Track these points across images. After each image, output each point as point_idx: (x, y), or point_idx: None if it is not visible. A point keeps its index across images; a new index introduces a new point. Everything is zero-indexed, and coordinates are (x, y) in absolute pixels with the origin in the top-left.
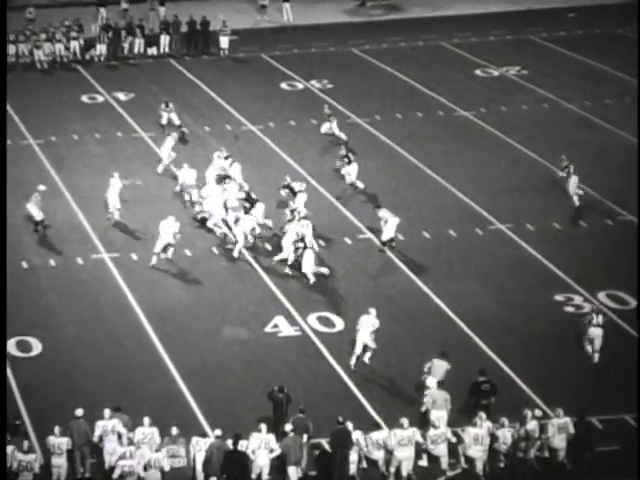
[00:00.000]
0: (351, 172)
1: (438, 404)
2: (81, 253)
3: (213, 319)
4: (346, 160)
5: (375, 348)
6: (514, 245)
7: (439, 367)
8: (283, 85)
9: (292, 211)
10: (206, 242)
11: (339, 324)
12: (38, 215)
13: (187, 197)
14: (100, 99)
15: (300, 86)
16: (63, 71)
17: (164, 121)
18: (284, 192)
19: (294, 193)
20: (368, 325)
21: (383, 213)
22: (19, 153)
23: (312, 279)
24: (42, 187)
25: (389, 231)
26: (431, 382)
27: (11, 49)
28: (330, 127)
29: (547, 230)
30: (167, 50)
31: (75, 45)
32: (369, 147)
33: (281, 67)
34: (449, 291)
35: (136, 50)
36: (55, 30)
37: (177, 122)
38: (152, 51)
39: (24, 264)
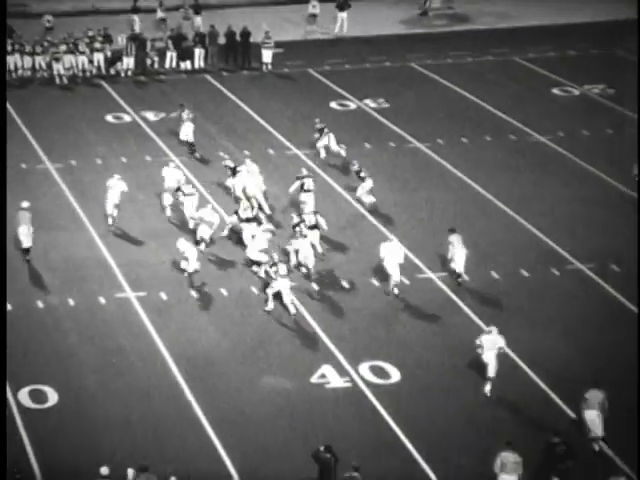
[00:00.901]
0: (365, 187)
1: (508, 468)
2: (104, 292)
3: (252, 367)
4: (361, 176)
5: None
6: (596, 287)
7: (593, 398)
8: (333, 104)
9: (299, 220)
10: (244, 280)
11: (395, 375)
12: (27, 242)
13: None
14: (127, 119)
15: (352, 106)
16: (85, 87)
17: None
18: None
19: (305, 190)
20: (493, 347)
21: (453, 238)
22: (35, 179)
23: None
24: (25, 204)
25: (459, 261)
26: None
27: (27, 61)
28: (325, 143)
29: (634, 271)
30: (202, 64)
31: (99, 58)
32: (431, 175)
33: (331, 84)
34: (521, 339)
35: (168, 64)
36: (78, 41)
37: (190, 138)
38: (186, 65)
39: (39, 304)
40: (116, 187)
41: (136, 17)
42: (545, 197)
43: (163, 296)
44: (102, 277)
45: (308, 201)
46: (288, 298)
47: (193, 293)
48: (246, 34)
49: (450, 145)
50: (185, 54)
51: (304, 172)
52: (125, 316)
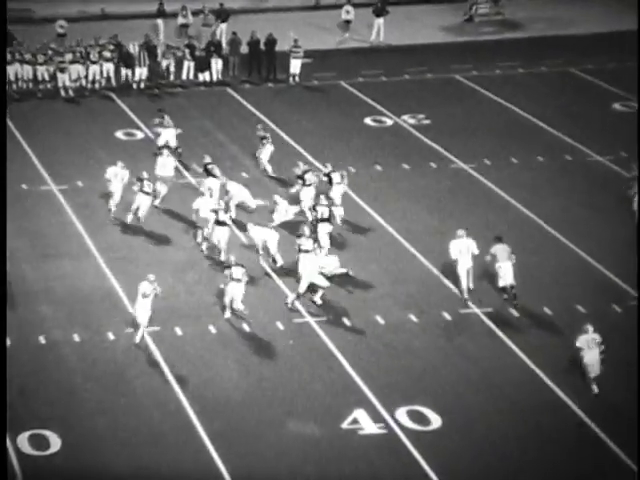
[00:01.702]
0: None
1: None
2: (113, 326)
3: (277, 411)
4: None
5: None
6: None
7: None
8: (367, 120)
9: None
10: (267, 315)
11: (435, 421)
12: None
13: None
14: (139, 135)
15: (389, 122)
16: (94, 100)
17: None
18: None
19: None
20: (594, 346)
21: (497, 249)
22: (37, 201)
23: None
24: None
25: (506, 275)
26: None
27: (27, 72)
28: (263, 154)
29: None
30: (219, 76)
31: (109, 67)
32: (476, 198)
33: (365, 98)
34: (578, 384)
35: (184, 75)
36: (89, 49)
37: (172, 143)
38: (204, 77)
39: (42, 339)
40: (120, 176)
41: (161, 22)
42: (604, 223)
43: (178, 331)
44: (110, 310)
45: (306, 196)
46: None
47: (211, 328)
48: (271, 42)
49: (498, 166)
50: (202, 64)
51: (302, 167)
52: (136, 353)
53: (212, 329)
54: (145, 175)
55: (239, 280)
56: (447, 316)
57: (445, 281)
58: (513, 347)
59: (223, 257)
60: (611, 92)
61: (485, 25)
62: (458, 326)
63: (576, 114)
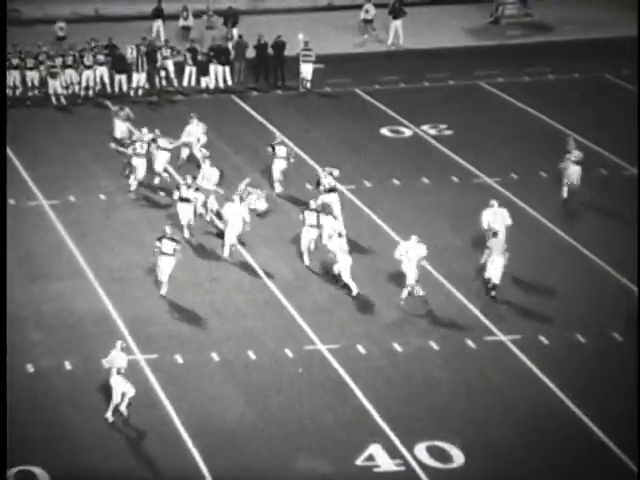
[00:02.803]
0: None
1: None
2: (107, 353)
3: (285, 446)
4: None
5: None
6: None
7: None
8: (384, 131)
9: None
10: (275, 342)
11: (457, 457)
12: None
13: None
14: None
15: (408, 132)
16: (87, 108)
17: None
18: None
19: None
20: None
21: (492, 243)
22: (26, 217)
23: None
24: None
25: (494, 272)
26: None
27: (15, 77)
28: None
29: None
30: (220, 84)
31: (103, 73)
32: None
33: (382, 106)
34: (613, 414)
35: (186, 81)
36: (84, 52)
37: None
38: (207, 81)
39: (30, 367)
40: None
41: (160, 23)
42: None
43: (178, 359)
44: (105, 336)
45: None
46: None
47: (214, 355)
48: (280, 46)
49: (525, 180)
50: (205, 70)
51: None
52: (133, 383)
53: (215, 356)
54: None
55: (168, 254)
56: (471, 344)
57: (470, 306)
58: (542, 377)
59: (186, 235)
60: None
61: (512, 27)
62: (483, 354)
63: (611, 124)
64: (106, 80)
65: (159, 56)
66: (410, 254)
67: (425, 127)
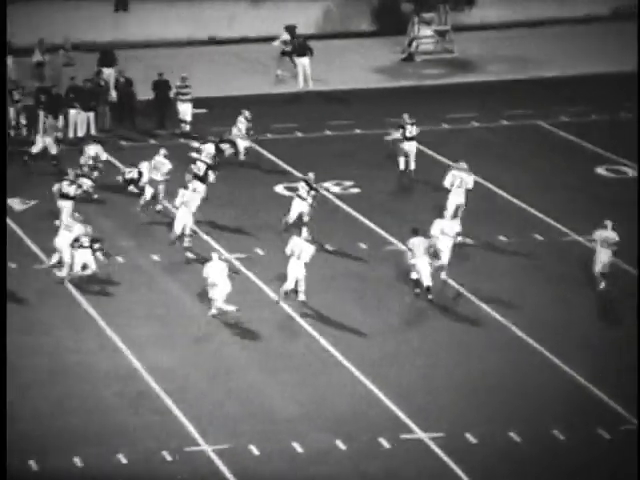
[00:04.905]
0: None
1: None
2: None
3: None
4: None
5: None
6: None
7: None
8: (279, 189)
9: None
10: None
11: None
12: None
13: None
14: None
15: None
16: None
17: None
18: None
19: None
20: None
21: (414, 242)
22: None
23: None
24: None
25: (421, 273)
26: None
27: None
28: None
29: None
30: (79, 133)
31: None
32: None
33: (277, 160)
34: None
35: (41, 129)
36: None
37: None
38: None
39: (33, 465)
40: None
41: (10, 60)
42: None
43: (253, 450)
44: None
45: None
46: None
47: (296, 445)
48: (161, 85)
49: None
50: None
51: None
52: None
53: (297, 447)
54: None
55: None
56: (384, 443)
57: (382, 398)
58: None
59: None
60: (594, 152)
61: (429, 65)
62: (398, 455)
63: (549, 182)
64: None
65: (10, 99)
66: (447, 230)
67: (327, 184)
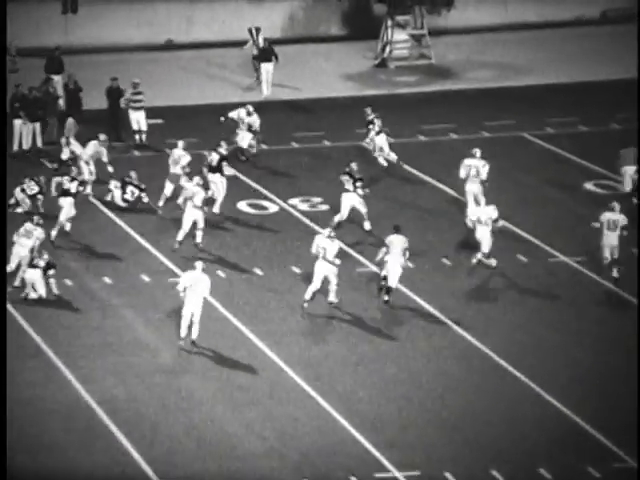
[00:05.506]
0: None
1: None
2: None
3: None
4: None
5: None
6: None
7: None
8: (242, 205)
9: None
10: None
11: None
12: None
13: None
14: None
15: (272, 207)
16: None
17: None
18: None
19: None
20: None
21: (392, 240)
22: None
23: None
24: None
25: (390, 273)
26: None
27: None
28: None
29: None
30: (24, 146)
31: None
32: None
33: (242, 176)
34: None
35: None
36: None
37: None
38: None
39: None
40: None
41: None
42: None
43: None
44: None
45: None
46: None
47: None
48: (113, 92)
49: (426, 269)
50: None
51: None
52: None
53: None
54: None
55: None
56: None
57: (354, 433)
58: None
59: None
60: (582, 166)
61: (403, 72)
62: None
63: (533, 198)
64: None
65: None
66: (483, 218)
67: (294, 201)
